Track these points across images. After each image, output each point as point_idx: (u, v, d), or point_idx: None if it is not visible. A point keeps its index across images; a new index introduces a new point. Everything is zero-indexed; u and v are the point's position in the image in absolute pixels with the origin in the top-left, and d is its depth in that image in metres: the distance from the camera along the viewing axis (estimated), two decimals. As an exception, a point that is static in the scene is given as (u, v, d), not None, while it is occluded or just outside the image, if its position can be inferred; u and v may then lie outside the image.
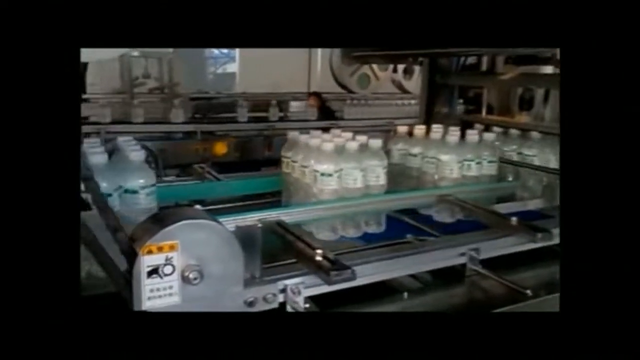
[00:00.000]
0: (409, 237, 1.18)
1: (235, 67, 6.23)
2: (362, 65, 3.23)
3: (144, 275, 0.76)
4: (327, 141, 1.27)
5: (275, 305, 0.88)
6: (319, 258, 0.89)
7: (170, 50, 5.22)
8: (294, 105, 4.20)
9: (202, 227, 0.79)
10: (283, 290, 0.89)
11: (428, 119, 1.90)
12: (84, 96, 3.21)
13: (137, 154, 1.16)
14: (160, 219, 0.79)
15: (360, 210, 1.29)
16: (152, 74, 4.59)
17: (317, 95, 4.00)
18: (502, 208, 1.31)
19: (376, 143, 1.32)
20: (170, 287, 0.78)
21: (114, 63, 4.08)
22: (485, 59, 1.99)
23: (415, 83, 3.85)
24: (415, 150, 1.48)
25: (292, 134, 1.41)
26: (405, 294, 1.01)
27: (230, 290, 0.83)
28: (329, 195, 1.25)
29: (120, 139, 1.27)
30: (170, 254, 0.77)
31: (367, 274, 0.94)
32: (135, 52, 4.30)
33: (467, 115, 2.10)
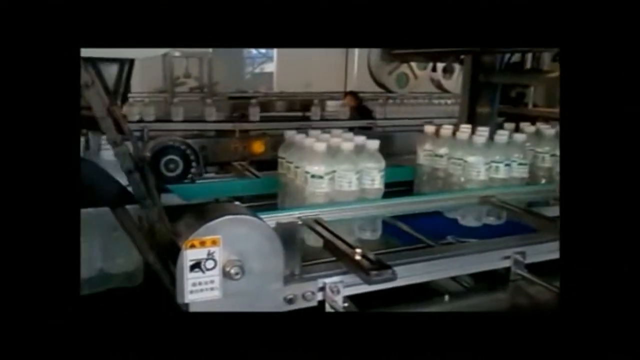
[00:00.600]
0: (450, 238, 1.16)
1: (273, 66, 6.30)
2: (401, 64, 3.19)
3: (186, 269, 0.77)
4: (320, 141, 1.17)
5: (314, 303, 0.88)
6: (358, 257, 0.88)
7: (210, 50, 5.32)
8: (331, 105, 4.21)
9: (243, 222, 0.80)
10: (322, 289, 0.88)
11: (470, 119, 1.85)
12: (129, 95, 3.30)
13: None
14: (202, 214, 0.80)
15: (397, 211, 1.25)
16: (193, 74, 4.70)
17: (353, 94, 3.98)
18: (547, 212, 1.26)
19: (372, 144, 1.23)
20: (212, 282, 0.79)
21: (156, 63, 4.20)
22: (529, 57, 1.92)
23: (454, 82, 3.78)
24: (442, 151, 1.40)
25: (289, 133, 1.32)
26: (447, 297, 0.99)
27: (270, 286, 0.83)
28: (320, 198, 1.15)
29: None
30: (212, 249, 0.78)
31: (407, 275, 0.93)
32: (177, 52, 4.41)
33: (515, 108, 2.01)
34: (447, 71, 3.59)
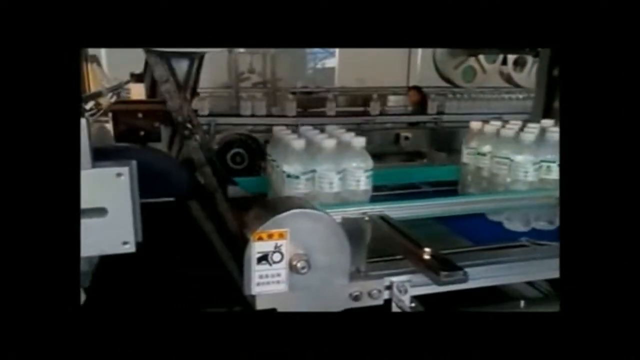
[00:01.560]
0: (524, 240, 1.09)
1: (335, 62, 6.29)
2: (468, 57, 3.07)
3: (254, 261, 0.77)
4: (296, 139, 1.08)
5: (380, 302, 0.85)
6: (427, 257, 0.85)
7: (274, 46, 5.37)
8: (392, 100, 4.14)
9: (311, 216, 0.79)
10: (389, 287, 0.86)
11: (546, 115, 1.74)
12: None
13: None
14: (271, 207, 0.80)
15: (456, 210, 1.16)
16: (257, 69, 4.79)
17: (417, 89, 3.89)
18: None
19: (358, 142, 1.12)
20: (278, 275, 0.79)
21: (222, 59, 4.31)
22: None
23: (526, 75, 3.59)
24: (485, 148, 1.28)
25: (276, 130, 1.20)
26: (522, 303, 0.93)
27: (335, 282, 0.82)
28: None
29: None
30: (279, 242, 0.78)
31: (479, 276, 0.88)
32: (240, 48, 4.51)
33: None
34: (519, 64, 3.42)
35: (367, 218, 0.99)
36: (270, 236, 0.77)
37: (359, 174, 1.12)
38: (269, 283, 0.79)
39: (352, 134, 1.18)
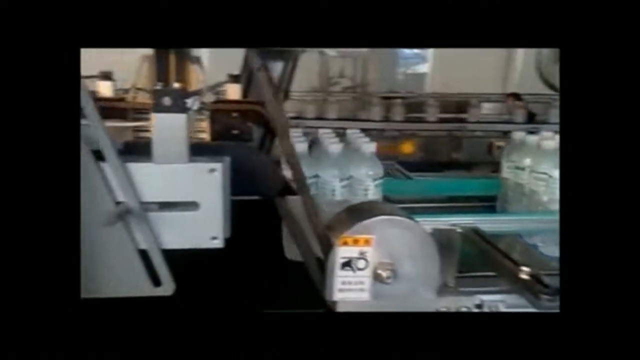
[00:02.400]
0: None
1: (427, 67, 6.13)
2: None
3: (337, 266, 0.75)
4: (301, 142, 1.01)
5: (468, 321, 0.79)
6: (525, 276, 0.77)
7: (365, 50, 5.39)
8: (487, 107, 3.94)
9: (399, 224, 0.75)
10: (479, 306, 0.79)
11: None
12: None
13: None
14: (357, 212, 0.78)
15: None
16: (347, 74, 4.81)
17: (516, 96, 3.66)
18: None
19: (368, 148, 1.02)
20: (362, 283, 0.76)
21: (312, 63, 4.38)
22: None
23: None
24: (525, 162, 1.15)
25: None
26: None
27: (421, 295, 0.77)
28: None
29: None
30: (364, 249, 0.75)
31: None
32: (333, 52, 4.55)
33: None
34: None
35: (459, 230, 0.93)
36: (355, 242, 0.75)
37: (367, 183, 1.03)
38: (351, 290, 0.76)
39: (364, 138, 1.09)
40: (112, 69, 1.56)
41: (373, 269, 0.75)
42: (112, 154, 0.63)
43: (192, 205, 0.67)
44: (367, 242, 0.75)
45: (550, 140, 1.14)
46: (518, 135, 1.24)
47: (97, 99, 1.79)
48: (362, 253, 0.75)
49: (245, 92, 1.57)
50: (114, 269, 0.67)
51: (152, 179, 0.65)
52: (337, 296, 0.76)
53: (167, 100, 0.60)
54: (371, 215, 0.75)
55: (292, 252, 0.84)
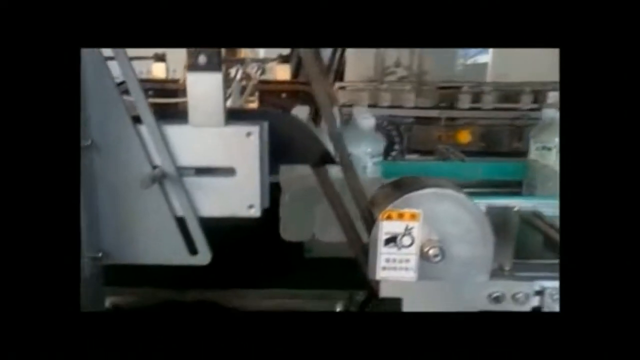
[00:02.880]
0: None
1: (487, 57, 5.93)
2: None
3: (381, 242, 0.70)
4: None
5: (526, 308, 0.72)
6: (593, 262, 0.69)
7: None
8: (552, 96, 3.72)
9: (450, 199, 0.69)
10: (539, 293, 0.72)
11: None
12: (342, 84, 3.46)
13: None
14: (404, 185, 0.72)
15: None
16: (403, 63, 4.69)
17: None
18: None
19: (367, 122, 0.97)
20: (407, 261, 0.70)
21: (368, 52, 4.30)
22: None
23: None
24: (554, 142, 1.06)
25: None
26: None
27: (473, 278, 0.71)
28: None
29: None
30: (410, 224, 0.69)
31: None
32: (388, 42, 4.45)
33: None
34: None
35: (516, 209, 0.85)
36: (400, 216, 0.69)
37: (365, 160, 0.98)
38: (395, 269, 0.71)
39: (366, 113, 1.02)
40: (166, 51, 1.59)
41: (419, 247, 0.70)
42: (148, 115, 0.62)
43: (228, 171, 0.64)
44: (413, 216, 0.69)
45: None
46: (548, 112, 1.15)
47: (149, 80, 1.85)
48: (407, 229, 0.69)
49: (296, 72, 1.55)
50: (151, 236, 0.66)
51: (188, 143, 0.64)
52: (380, 275, 0.71)
53: (202, 59, 0.57)
54: (418, 187, 0.69)
55: (289, 232, 0.80)
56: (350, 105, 3.06)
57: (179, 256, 0.66)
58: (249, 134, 0.63)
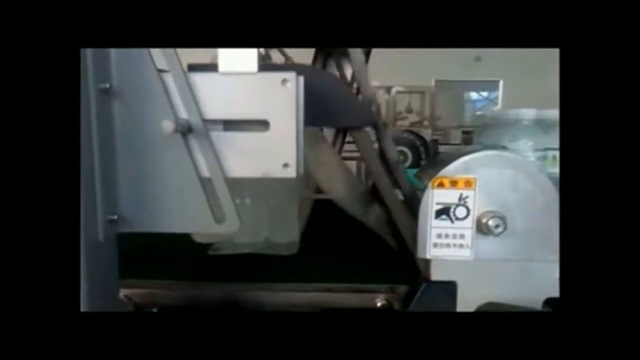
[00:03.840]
0: None
1: (498, 105, 6.05)
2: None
3: (431, 214, 0.61)
4: None
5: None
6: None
7: (432, 84, 5.33)
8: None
9: (510, 162, 0.61)
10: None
11: None
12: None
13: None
14: (457, 153, 0.64)
15: None
16: (415, 108, 4.73)
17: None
18: None
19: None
20: (462, 236, 0.61)
21: (380, 98, 4.35)
22: None
23: None
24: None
25: None
26: None
27: (540, 257, 0.61)
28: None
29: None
30: (465, 192, 0.61)
31: None
32: (400, 87, 4.51)
33: None
34: None
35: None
36: (453, 183, 0.61)
37: None
38: (449, 245, 0.61)
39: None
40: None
41: (476, 219, 0.61)
42: (174, 61, 0.55)
43: (260, 125, 0.57)
44: (468, 183, 0.61)
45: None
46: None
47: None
48: (462, 198, 0.61)
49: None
50: (173, 198, 0.58)
51: (217, 92, 0.57)
52: (431, 253, 0.62)
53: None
54: (473, 150, 0.61)
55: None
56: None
57: (203, 223, 0.57)
58: (284, 81, 0.56)
